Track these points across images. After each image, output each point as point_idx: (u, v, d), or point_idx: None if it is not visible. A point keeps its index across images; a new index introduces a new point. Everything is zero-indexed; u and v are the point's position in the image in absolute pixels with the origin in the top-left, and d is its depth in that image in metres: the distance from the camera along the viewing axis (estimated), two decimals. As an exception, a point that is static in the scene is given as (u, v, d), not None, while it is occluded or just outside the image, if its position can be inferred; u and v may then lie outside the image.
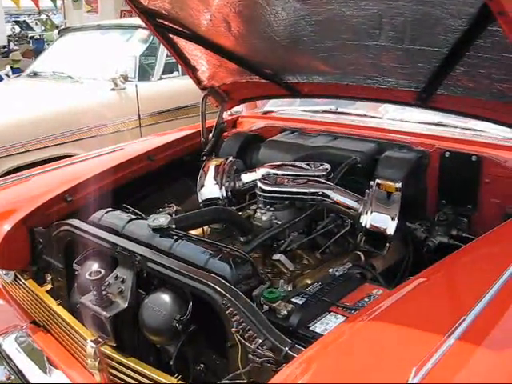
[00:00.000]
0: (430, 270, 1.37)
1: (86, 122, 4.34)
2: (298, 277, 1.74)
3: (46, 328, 1.97)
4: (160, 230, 1.70)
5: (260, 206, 1.98)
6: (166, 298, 1.53)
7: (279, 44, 2.06)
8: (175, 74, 5.08)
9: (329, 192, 1.86)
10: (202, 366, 1.61)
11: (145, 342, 1.60)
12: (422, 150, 2.11)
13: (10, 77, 6.91)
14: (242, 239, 1.89)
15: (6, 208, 2.11)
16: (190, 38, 2.29)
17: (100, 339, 1.61)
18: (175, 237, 1.68)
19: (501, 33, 1.46)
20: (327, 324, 1.34)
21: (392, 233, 1.71)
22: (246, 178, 2.17)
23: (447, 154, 2.04)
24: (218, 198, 2.13)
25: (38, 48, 11.76)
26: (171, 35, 2.33)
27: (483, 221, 1.95)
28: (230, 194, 2.15)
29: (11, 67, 8.05)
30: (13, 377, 1.84)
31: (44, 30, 15.15)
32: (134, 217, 1.88)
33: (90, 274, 1.55)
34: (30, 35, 14.46)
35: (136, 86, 4.70)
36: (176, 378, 1.46)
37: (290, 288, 1.57)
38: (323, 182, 1.92)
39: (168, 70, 5.04)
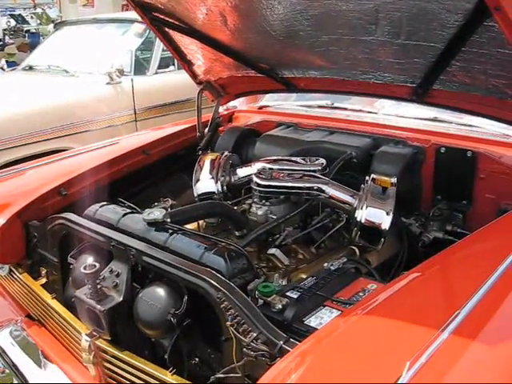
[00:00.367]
0: (424, 265, 1.38)
1: (82, 116, 4.33)
2: (293, 271, 1.75)
3: (40, 322, 1.97)
4: (155, 224, 1.70)
5: (255, 200, 1.98)
6: (160, 291, 1.53)
7: (275, 38, 2.06)
8: (171, 68, 5.08)
9: (324, 187, 1.86)
10: (197, 359, 1.61)
11: (140, 335, 1.59)
12: (417, 146, 2.12)
13: (5, 70, 6.86)
14: (237, 233, 1.90)
15: (1, 202, 2.09)
16: (186, 32, 2.29)
17: (95, 333, 1.61)
18: (170, 231, 1.68)
19: (497, 28, 1.46)
20: (322, 318, 1.34)
21: (387, 228, 1.72)
22: (242, 172, 2.17)
23: (443, 150, 2.05)
24: (214, 193, 2.14)
25: (33, 42, 11.68)
26: (167, 29, 2.32)
27: (478, 216, 1.96)
28: (225, 188, 2.15)
29: (6, 61, 8.03)
30: (7, 370, 1.83)
31: (39, 23, 15.03)
32: (129, 211, 1.88)
33: (84, 268, 1.54)
34: (25, 29, 14.34)
35: (132, 80, 4.70)
36: (171, 371, 1.46)
37: (284, 282, 1.57)
38: (318, 177, 1.93)
39: (164, 64, 5.03)
